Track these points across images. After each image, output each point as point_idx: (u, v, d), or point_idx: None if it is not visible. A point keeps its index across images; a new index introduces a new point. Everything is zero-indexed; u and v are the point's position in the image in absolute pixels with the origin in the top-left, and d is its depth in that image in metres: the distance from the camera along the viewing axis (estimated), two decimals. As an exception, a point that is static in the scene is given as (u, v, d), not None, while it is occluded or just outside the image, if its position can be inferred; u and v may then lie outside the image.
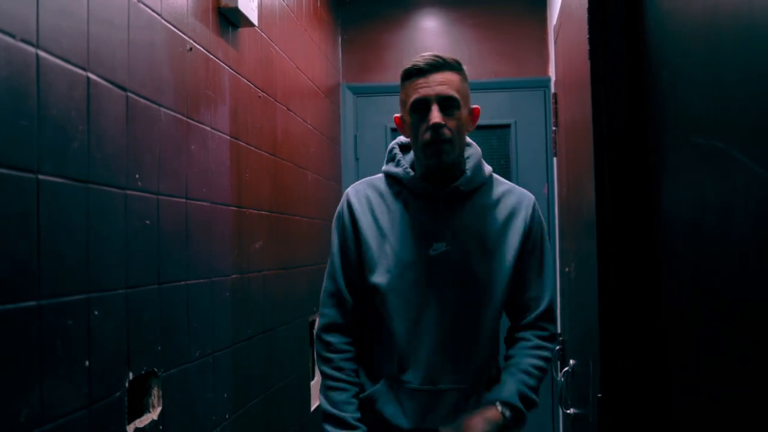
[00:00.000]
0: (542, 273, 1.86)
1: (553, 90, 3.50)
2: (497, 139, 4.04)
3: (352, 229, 1.83)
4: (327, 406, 1.80)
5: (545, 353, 1.89)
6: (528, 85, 3.98)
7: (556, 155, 3.70)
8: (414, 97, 1.73)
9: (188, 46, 1.85)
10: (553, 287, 1.90)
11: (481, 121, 3.97)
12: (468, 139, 1.86)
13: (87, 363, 1.34)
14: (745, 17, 0.76)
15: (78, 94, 1.32)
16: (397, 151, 1.88)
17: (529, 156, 3.97)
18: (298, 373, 2.93)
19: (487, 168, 1.88)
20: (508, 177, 3.99)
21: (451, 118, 1.72)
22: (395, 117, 1.85)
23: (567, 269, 2.34)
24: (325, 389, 1.82)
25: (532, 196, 1.89)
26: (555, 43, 2.84)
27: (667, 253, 1.14)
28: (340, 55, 4.13)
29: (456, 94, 1.73)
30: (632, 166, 1.24)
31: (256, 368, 2.38)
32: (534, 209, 1.86)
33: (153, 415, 1.63)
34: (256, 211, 2.41)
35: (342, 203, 1.88)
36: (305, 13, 3.23)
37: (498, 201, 1.84)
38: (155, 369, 1.64)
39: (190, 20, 1.87)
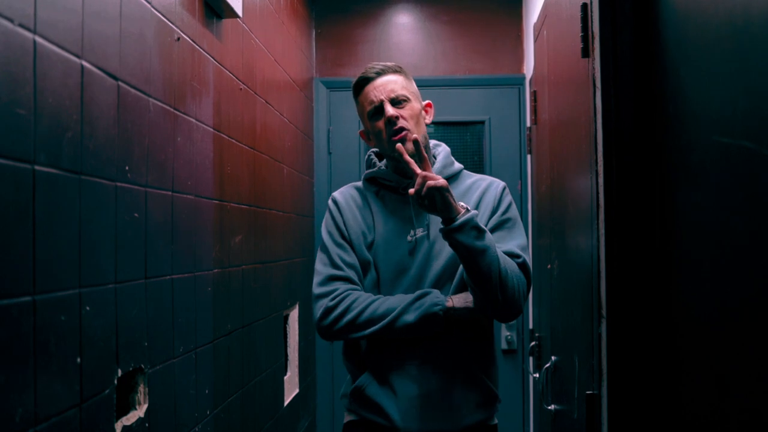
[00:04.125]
0: (513, 237, 1.88)
1: (530, 87, 3.51)
2: (471, 136, 4.05)
3: (344, 226, 1.93)
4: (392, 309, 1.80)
5: (518, 271, 1.81)
6: (502, 82, 4.00)
7: (530, 152, 3.72)
8: (368, 106, 1.91)
9: (176, 36, 1.80)
10: (526, 250, 1.89)
11: (455, 117, 4.05)
12: (436, 141, 2.04)
13: (78, 360, 1.30)
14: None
15: (72, 82, 1.28)
16: (373, 157, 2.04)
17: (503, 153, 3.98)
18: (273, 368, 2.90)
19: (458, 164, 2.02)
20: (481, 173, 3.99)
21: (403, 109, 1.88)
22: (360, 132, 2.04)
23: (549, 266, 2.35)
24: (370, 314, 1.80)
25: (503, 182, 1.98)
26: (535, 40, 2.85)
27: (681, 253, 1.14)
28: (314, 49, 4.10)
29: (403, 91, 1.90)
30: (642, 164, 1.25)
31: (235, 364, 2.35)
32: (504, 190, 1.95)
33: (139, 412, 1.59)
34: (236, 205, 2.37)
35: (330, 206, 1.99)
36: (283, 6, 3.19)
37: (470, 187, 1.96)
38: (142, 365, 1.60)
39: (178, 9, 1.82)
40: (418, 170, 1.72)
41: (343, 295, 1.84)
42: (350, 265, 1.89)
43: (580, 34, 1.75)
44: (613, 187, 1.31)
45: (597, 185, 1.63)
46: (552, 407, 2.24)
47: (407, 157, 1.75)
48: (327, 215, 1.98)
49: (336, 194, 2.02)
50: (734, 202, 0.88)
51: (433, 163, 1.96)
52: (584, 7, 1.74)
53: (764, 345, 0.85)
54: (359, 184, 2.04)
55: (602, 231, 1.59)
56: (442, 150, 2.02)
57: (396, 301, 1.82)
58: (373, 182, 2.00)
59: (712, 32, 0.95)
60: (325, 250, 1.92)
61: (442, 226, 1.72)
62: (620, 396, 1.38)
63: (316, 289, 1.88)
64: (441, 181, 1.68)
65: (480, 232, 1.71)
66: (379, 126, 1.89)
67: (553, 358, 2.27)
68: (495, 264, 1.71)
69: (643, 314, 1.33)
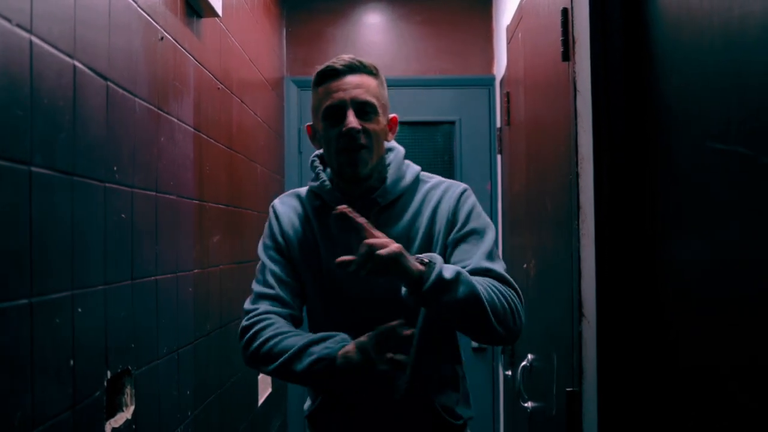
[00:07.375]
0: (487, 253, 1.61)
1: (501, 88, 3.56)
2: (441, 136, 4.08)
3: (282, 239, 1.70)
4: (297, 353, 1.51)
5: (502, 287, 1.55)
6: (473, 83, 4.04)
7: (500, 152, 3.77)
8: (327, 103, 1.59)
9: (160, 36, 1.80)
10: (502, 263, 1.64)
11: (426, 118, 4.08)
12: (391, 143, 1.73)
13: (72, 362, 1.29)
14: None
15: (65, 83, 1.27)
16: (317, 164, 1.73)
17: (473, 153, 4.03)
18: (247, 369, 2.89)
19: (413, 169, 1.73)
20: (452, 173, 4.04)
21: (368, 122, 1.60)
22: (307, 127, 1.73)
23: (525, 265, 2.39)
24: (278, 356, 1.53)
25: (462, 186, 1.71)
26: (508, 42, 2.89)
27: (671, 256, 1.18)
28: (285, 48, 4.09)
29: (373, 100, 1.61)
30: (631, 168, 1.28)
31: (214, 364, 2.35)
32: (461, 197, 1.67)
33: (127, 414, 1.58)
34: (215, 205, 2.37)
35: (270, 214, 1.75)
36: (257, 4, 3.18)
37: (423, 202, 1.68)
38: (129, 367, 1.59)
39: (161, 9, 1.81)
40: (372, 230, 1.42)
41: (260, 317, 1.61)
42: (283, 282, 1.66)
43: (561, 38, 1.79)
44: (604, 191, 1.35)
45: (577, 186, 1.67)
46: (528, 404, 2.28)
47: (360, 220, 1.41)
48: (266, 225, 1.75)
49: (276, 203, 1.76)
50: (728, 207, 0.92)
51: (384, 173, 1.68)
52: (564, 11, 1.78)
53: (759, 341, 0.89)
54: (303, 192, 1.75)
55: (584, 231, 1.63)
56: (393, 160, 1.71)
57: (296, 339, 1.54)
58: (317, 196, 1.71)
59: (706, 40, 0.99)
60: (261, 266, 1.71)
61: (406, 294, 1.44)
62: (609, 393, 1.42)
63: (245, 305, 1.68)
64: (393, 246, 1.36)
65: (454, 279, 1.42)
66: (331, 133, 1.60)
67: (529, 356, 2.31)
68: (483, 301, 1.44)
69: (629, 315, 1.37)
